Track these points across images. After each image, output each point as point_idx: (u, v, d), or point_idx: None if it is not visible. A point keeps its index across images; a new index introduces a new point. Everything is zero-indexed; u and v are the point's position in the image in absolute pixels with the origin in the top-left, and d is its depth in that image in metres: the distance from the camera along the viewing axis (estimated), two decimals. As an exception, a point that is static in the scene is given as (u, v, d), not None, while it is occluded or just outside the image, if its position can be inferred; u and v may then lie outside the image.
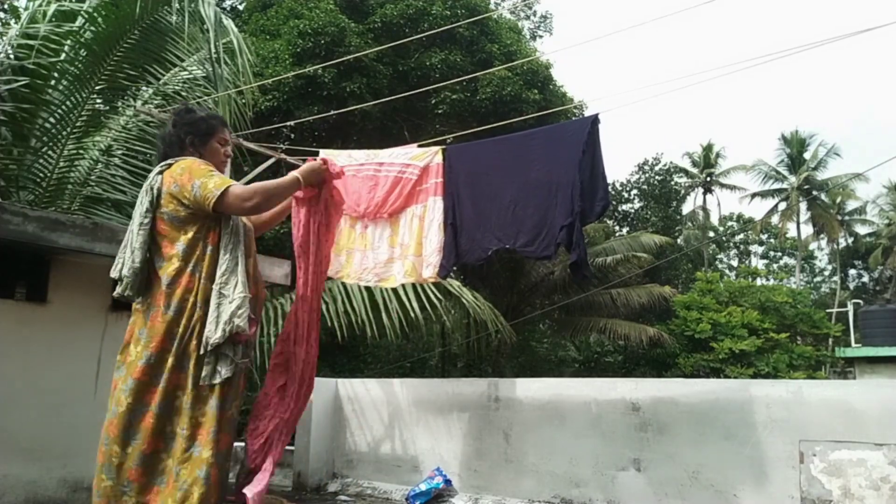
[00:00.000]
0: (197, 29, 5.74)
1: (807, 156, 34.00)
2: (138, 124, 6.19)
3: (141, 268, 2.63)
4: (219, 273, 2.64)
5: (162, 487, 2.55)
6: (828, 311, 21.49)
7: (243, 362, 2.66)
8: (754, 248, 40.62)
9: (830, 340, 21.12)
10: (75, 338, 3.73)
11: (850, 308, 17.36)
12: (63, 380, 3.65)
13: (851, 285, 37.68)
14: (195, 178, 2.65)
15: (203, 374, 2.57)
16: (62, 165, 5.78)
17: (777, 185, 35.16)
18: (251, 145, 5.13)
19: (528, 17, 21.01)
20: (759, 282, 24.74)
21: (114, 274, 2.68)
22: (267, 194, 2.73)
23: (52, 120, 5.62)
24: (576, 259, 3.74)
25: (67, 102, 5.65)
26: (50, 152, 5.70)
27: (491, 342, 15.01)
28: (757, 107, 77.99)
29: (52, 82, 5.63)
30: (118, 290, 2.66)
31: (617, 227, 23.58)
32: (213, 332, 2.56)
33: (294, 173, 2.94)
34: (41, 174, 5.70)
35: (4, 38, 5.51)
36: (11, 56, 5.35)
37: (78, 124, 5.79)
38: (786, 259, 40.39)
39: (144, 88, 6.25)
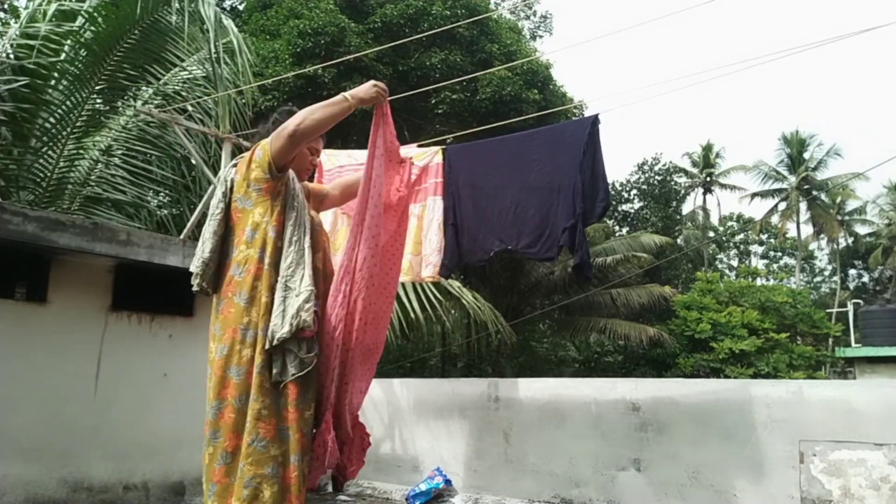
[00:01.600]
0: (197, 29, 5.74)
1: (806, 156, 34.01)
2: (138, 124, 6.19)
3: (211, 258, 2.56)
4: (284, 265, 2.55)
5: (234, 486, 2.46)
6: (828, 311, 21.48)
7: (309, 357, 2.53)
8: (754, 248, 40.62)
9: (830, 340, 21.11)
10: (75, 338, 3.73)
11: (850, 308, 17.35)
12: (63, 380, 3.65)
13: (851, 285, 37.67)
14: (256, 149, 2.64)
15: (273, 371, 2.48)
16: (62, 165, 5.79)
17: (777, 185, 35.17)
18: (251, 145, 5.12)
19: (528, 17, 21.02)
20: (759, 282, 24.73)
21: (192, 269, 2.61)
22: (308, 112, 2.59)
23: (52, 120, 5.62)
24: (579, 261, 3.74)
25: (67, 102, 5.65)
26: (50, 152, 5.70)
27: (491, 342, 15.00)
28: (757, 107, 78.01)
29: (52, 82, 5.63)
30: (194, 283, 2.58)
31: (617, 227, 23.58)
32: (280, 327, 2.46)
33: (342, 94, 2.72)
34: (41, 174, 5.70)
35: (4, 37, 5.51)
36: (11, 56, 5.35)
37: (78, 124, 5.79)
38: (786, 259, 40.39)
39: (144, 88, 6.25)
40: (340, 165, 4.42)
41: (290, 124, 2.55)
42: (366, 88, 2.74)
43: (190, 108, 6.01)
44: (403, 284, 6.88)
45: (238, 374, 2.46)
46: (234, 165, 2.71)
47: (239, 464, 2.43)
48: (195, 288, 2.58)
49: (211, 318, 2.60)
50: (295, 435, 2.48)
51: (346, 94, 2.70)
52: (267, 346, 2.47)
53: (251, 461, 2.41)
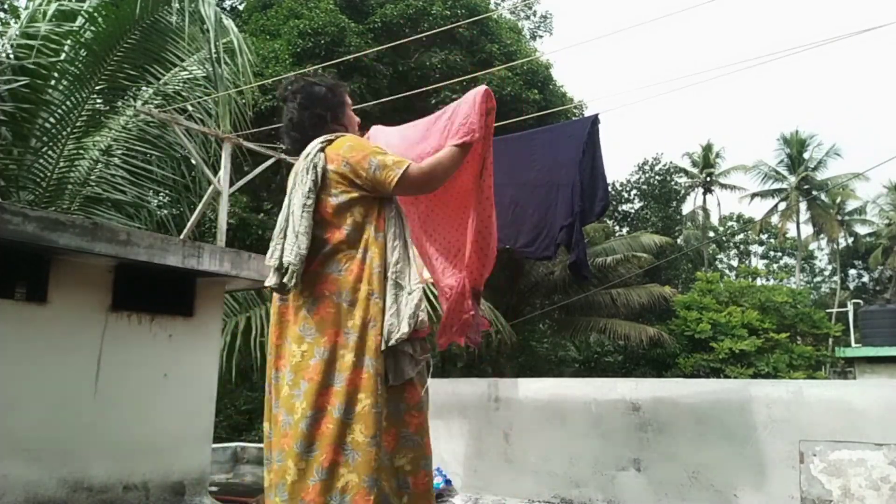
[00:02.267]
0: (197, 29, 5.74)
1: (806, 156, 34.02)
2: (138, 124, 6.19)
3: (306, 255, 2.31)
4: (392, 261, 2.39)
5: None
6: (828, 311, 21.48)
7: (424, 358, 2.40)
8: (754, 248, 40.64)
9: (830, 340, 21.12)
10: (75, 338, 3.73)
11: (850, 308, 17.35)
12: (63, 380, 3.65)
13: (851, 285, 37.67)
14: (369, 155, 2.40)
15: (389, 373, 2.30)
16: (62, 165, 5.79)
17: (777, 185, 35.19)
18: (251, 145, 5.12)
19: (528, 17, 21.04)
20: (759, 282, 24.74)
21: (272, 262, 2.34)
22: (442, 168, 2.49)
23: (52, 120, 5.62)
24: (575, 259, 3.75)
25: (67, 102, 5.65)
26: (50, 152, 5.70)
27: (491, 342, 15.00)
28: (757, 107, 78.03)
29: (52, 82, 5.63)
30: (280, 279, 2.31)
31: (617, 227, 23.58)
32: (397, 327, 2.29)
33: (456, 148, 2.58)
34: (41, 174, 5.70)
35: (4, 37, 5.51)
36: (11, 56, 5.35)
37: (78, 124, 5.79)
38: (786, 259, 40.40)
39: (144, 88, 6.25)
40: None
41: (428, 175, 2.46)
42: (465, 135, 2.60)
43: (190, 108, 6.01)
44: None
45: (339, 380, 2.24)
46: (322, 150, 2.45)
47: (349, 482, 2.17)
48: (276, 284, 2.33)
49: (283, 315, 2.40)
50: (424, 439, 2.36)
51: (458, 142, 2.57)
52: (383, 348, 2.28)
53: (379, 469, 2.23)
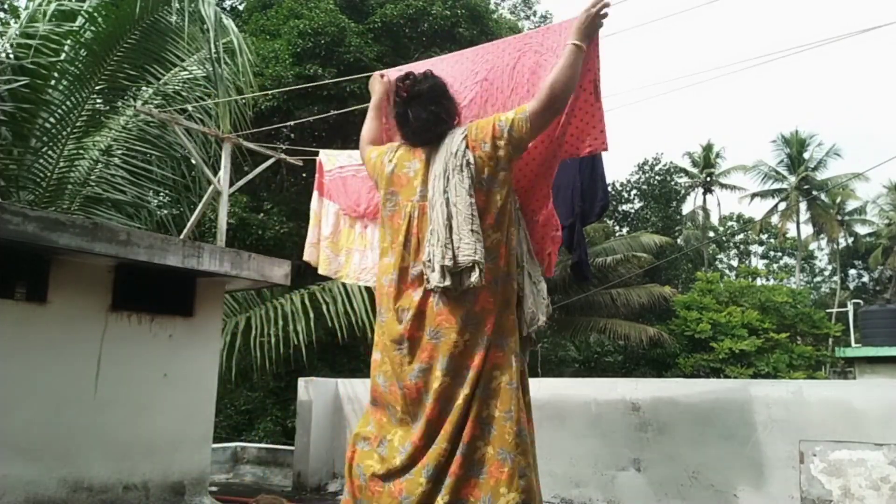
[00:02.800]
0: (197, 29, 5.74)
1: (806, 156, 34.02)
2: (138, 124, 6.19)
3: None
4: (523, 249, 2.50)
5: (482, 479, 2.27)
6: (828, 311, 21.49)
7: (537, 347, 2.57)
8: (754, 248, 40.62)
9: (830, 340, 21.12)
10: (75, 338, 3.73)
11: (850, 308, 17.35)
12: (63, 380, 3.65)
13: (851, 285, 37.66)
14: (494, 122, 2.45)
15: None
16: (62, 165, 5.78)
17: (777, 185, 35.18)
18: (251, 145, 5.12)
19: (528, 17, 21.04)
20: (759, 282, 24.74)
21: (463, 260, 2.30)
22: (562, 84, 2.42)
23: (52, 120, 5.62)
24: (577, 260, 3.75)
25: (67, 102, 5.65)
26: (50, 152, 5.70)
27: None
28: (757, 107, 78.05)
29: (52, 82, 5.63)
30: (473, 278, 2.29)
31: (617, 227, 23.59)
32: (538, 314, 2.41)
33: (571, 41, 2.50)
34: (41, 174, 5.69)
35: (4, 37, 5.50)
36: (11, 56, 5.35)
37: (78, 124, 5.78)
38: (786, 259, 40.38)
39: (144, 88, 6.24)
40: (341, 166, 4.42)
41: (549, 100, 2.41)
42: (586, 20, 2.53)
43: (190, 109, 6.01)
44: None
45: (480, 359, 2.34)
46: (465, 137, 2.47)
47: (485, 454, 2.29)
48: (476, 282, 2.30)
49: (432, 310, 2.37)
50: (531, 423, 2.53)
51: (575, 39, 2.50)
52: (525, 333, 2.41)
53: (520, 451, 2.31)
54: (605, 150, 2.83)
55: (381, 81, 3.08)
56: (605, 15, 2.57)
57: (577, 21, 2.56)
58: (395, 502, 2.29)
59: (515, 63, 2.96)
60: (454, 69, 3.10)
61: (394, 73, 3.15)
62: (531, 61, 2.90)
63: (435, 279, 2.33)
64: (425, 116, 2.55)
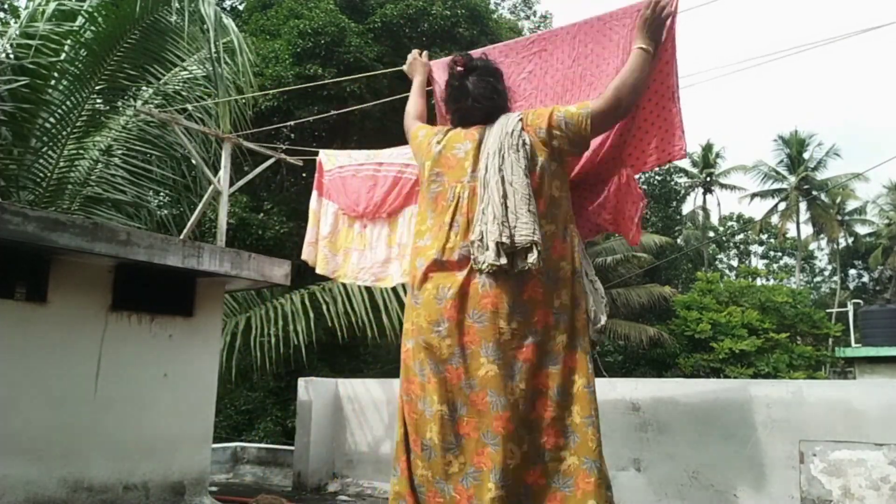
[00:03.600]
0: (197, 28, 5.74)
1: (806, 156, 34.02)
2: (138, 124, 6.19)
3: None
4: (579, 247, 2.41)
5: (568, 492, 2.16)
6: (828, 311, 21.48)
7: (598, 339, 2.44)
8: (754, 248, 40.64)
9: (830, 340, 21.12)
10: (75, 338, 3.73)
11: (850, 308, 17.35)
12: (63, 380, 3.65)
13: (851, 285, 37.67)
14: (554, 112, 2.36)
15: None
16: (62, 165, 5.78)
17: (777, 185, 35.19)
18: (251, 145, 5.12)
19: (528, 17, 21.04)
20: (759, 282, 24.74)
21: (521, 240, 2.19)
22: (629, 88, 2.36)
23: (52, 120, 5.62)
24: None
25: (67, 102, 5.65)
26: (50, 152, 5.70)
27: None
28: (757, 107, 78.03)
29: (52, 82, 5.63)
30: (531, 259, 2.18)
31: (617, 227, 23.53)
32: (599, 314, 2.33)
33: (636, 46, 2.45)
34: (41, 174, 5.70)
35: (4, 37, 5.50)
36: (11, 56, 5.35)
37: (78, 124, 5.78)
38: (786, 259, 40.39)
39: (144, 88, 6.24)
40: (340, 166, 4.42)
41: (615, 102, 2.35)
42: (652, 21, 2.46)
43: (190, 108, 6.01)
44: (403, 285, 6.88)
45: (554, 362, 2.22)
46: (521, 120, 2.39)
47: (570, 465, 2.18)
48: (530, 264, 2.18)
49: (477, 292, 2.24)
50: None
51: (641, 44, 2.43)
52: (590, 332, 2.33)
53: (603, 459, 2.26)
54: (684, 156, 2.79)
55: (422, 63, 3.09)
56: (666, 11, 2.47)
57: (638, 22, 2.49)
58: None
59: (577, 33, 2.94)
60: (506, 48, 3.14)
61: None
62: (594, 29, 2.87)
63: (490, 257, 2.19)
64: (484, 86, 2.48)
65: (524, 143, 2.31)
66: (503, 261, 2.18)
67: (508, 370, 2.18)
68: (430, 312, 2.29)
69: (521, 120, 2.39)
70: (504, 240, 2.19)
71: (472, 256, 2.24)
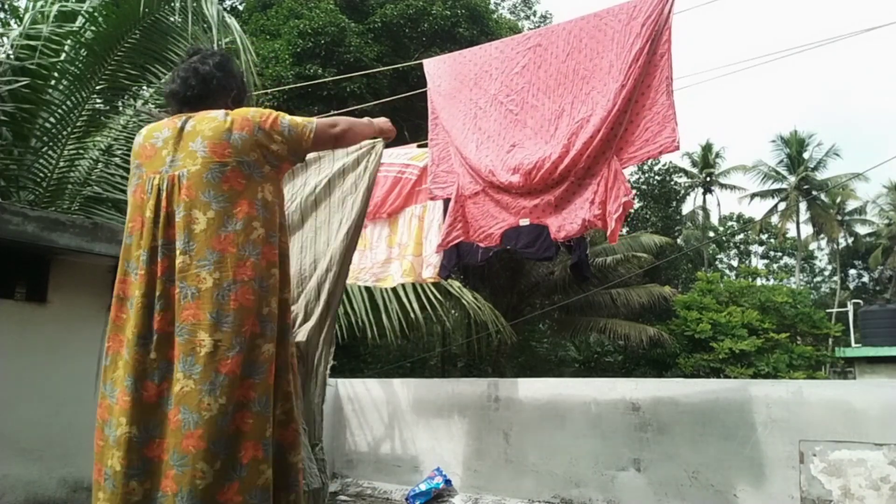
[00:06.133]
0: (199, 28, 5.74)
1: (806, 156, 34.01)
2: (139, 124, 6.18)
3: None
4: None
5: None
6: (828, 311, 21.47)
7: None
8: (754, 248, 40.62)
9: (830, 340, 21.10)
10: (75, 338, 3.73)
11: (850, 308, 17.34)
12: (63, 380, 3.65)
13: (851, 285, 37.66)
14: (276, 119, 2.27)
15: None
16: (62, 165, 5.78)
17: (777, 186, 35.18)
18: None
19: (528, 17, 21.04)
20: (759, 282, 24.72)
21: None
22: (348, 125, 2.43)
23: (52, 120, 5.62)
24: (576, 260, 3.75)
25: (68, 102, 5.64)
26: (50, 152, 5.69)
27: (491, 342, 15.00)
28: (757, 107, 78.03)
29: (53, 82, 5.62)
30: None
31: (617, 227, 23.50)
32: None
33: (371, 120, 2.68)
34: (41, 174, 5.69)
35: (5, 38, 5.50)
36: (12, 56, 5.34)
37: (78, 124, 5.78)
38: (786, 259, 40.37)
39: (145, 88, 6.24)
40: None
41: (335, 128, 2.36)
42: (383, 122, 2.75)
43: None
44: (404, 285, 6.88)
45: (259, 372, 2.09)
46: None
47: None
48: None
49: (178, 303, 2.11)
50: None
51: (373, 121, 2.67)
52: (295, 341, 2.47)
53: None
54: (677, 148, 2.84)
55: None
56: (391, 135, 2.81)
57: (378, 122, 2.71)
58: None
59: (572, 28, 2.98)
60: (502, 44, 3.19)
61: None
62: (591, 25, 2.91)
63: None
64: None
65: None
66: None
67: (206, 385, 1.98)
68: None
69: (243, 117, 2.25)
70: None
71: None
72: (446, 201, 3.97)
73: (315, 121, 2.34)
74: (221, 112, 2.21)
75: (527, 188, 3.34)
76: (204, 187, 2.08)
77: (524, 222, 3.44)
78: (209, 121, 2.16)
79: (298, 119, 2.31)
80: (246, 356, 2.03)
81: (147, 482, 1.99)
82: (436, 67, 3.87)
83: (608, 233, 3.08)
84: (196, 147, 2.12)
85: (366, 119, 2.65)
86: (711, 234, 36.65)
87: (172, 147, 2.16)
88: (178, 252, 2.07)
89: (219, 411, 1.96)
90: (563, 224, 3.27)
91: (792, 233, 36.18)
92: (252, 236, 2.10)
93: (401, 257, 4.36)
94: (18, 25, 5.61)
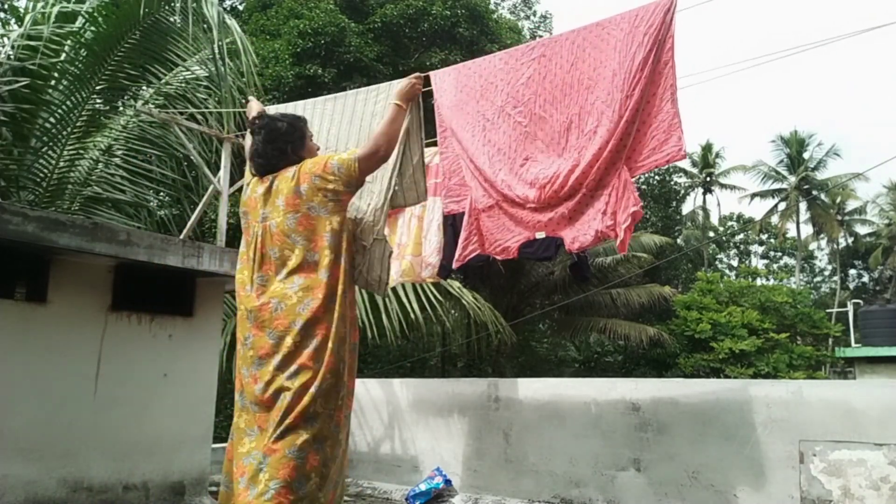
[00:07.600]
0: (199, 28, 5.74)
1: (806, 156, 34.01)
2: (139, 124, 6.18)
3: None
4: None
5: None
6: (828, 311, 21.45)
7: None
8: (754, 248, 40.60)
9: (830, 340, 21.09)
10: (75, 338, 3.73)
11: (850, 308, 17.32)
12: (63, 380, 3.65)
13: (851, 285, 37.65)
14: (329, 160, 2.81)
15: None
16: (62, 165, 5.78)
17: (777, 185, 35.17)
18: (251, 145, 5.11)
19: (528, 17, 21.03)
20: (759, 282, 24.71)
21: None
22: (384, 137, 2.88)
23: (52, 120, 5.62)
24: (576, 260, 3.75)
25: (68, 102, 5.65)
26: (50, 152, 5.70)
27: (491, 342, 14.99)
28: (757, 107, 78.04)
29: (53, 83, 5.63)
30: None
31: (617, 227, 23.47)
32: None
33: (393, 102, 3.04)
34: (41, 174, 5.69)
35: (6, 39, 5.50)
36: (12, 57, 5.34)
37: (78, 124, 5.78)
38: (786, 259, 40.36)
39: (145, 88, 6.24)
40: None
41: (379, 151, 2.84)
42: (407, 87, 3.12)
43: (193, 110, 6.01)
44: (403, 285, 6.88)
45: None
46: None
47: None
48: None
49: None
50: None
51: (398, 100, 3.03)
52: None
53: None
54: (683, 157, 2.90)
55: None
56: (419, 88, 3.21)
57: (398, 85, 3.15)
58: None
59: (575, 38, 3.02)
60: (506, 55, 3.23)
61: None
62: (593, 34, 2.94)
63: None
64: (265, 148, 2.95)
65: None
66: None
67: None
68: (241, 328, 2.93)
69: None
70: None
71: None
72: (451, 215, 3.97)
73: (358, 152, 2.85)
74: (292, 170, 2.84)
75: (544, 202, 3.36)
76: (288, 232, 2.76)
77: (540, 235, 3.47)
78: (286, 181, 2.82)
79: (344, 155, 2.84)
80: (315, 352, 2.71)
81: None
82: (441, 80, 3.87)
83: (618, 242, 3.09)
84: (279, 203, 2.80)
85: (392, 107, 3.02)
86: (711, 234, 36.64)
87: (263, 202, 2.86)
88: (276, 280, 2.80)
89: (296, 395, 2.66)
90: (577, 236, 3.29)
91: (792, 233, 36.19)
92: (324, 262, 2.74)
93: (400, 257, 4.35)
94: (19, 26, 5.61)
